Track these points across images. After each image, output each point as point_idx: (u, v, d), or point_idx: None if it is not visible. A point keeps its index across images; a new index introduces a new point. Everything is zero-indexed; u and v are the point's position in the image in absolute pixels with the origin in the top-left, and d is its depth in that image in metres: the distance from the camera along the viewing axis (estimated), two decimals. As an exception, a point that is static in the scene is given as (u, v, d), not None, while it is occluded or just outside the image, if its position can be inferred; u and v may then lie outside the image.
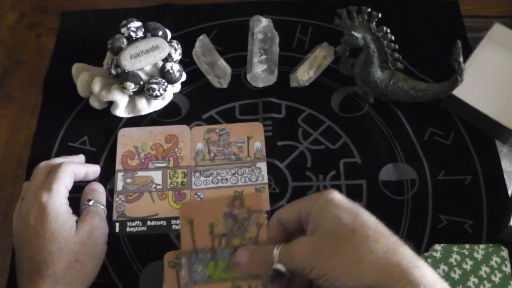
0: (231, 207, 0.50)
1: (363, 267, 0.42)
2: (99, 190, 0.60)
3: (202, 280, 0.49)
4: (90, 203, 0.57)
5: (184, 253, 0.49)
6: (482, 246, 0.56)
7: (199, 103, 0.69)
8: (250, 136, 0.65)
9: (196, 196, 0.61)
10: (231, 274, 0.49)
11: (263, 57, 0.69)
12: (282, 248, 0.46)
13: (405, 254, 0.42)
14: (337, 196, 0.46)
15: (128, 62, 0.62)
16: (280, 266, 0.46)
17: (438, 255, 0.56)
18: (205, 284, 0.49)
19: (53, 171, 0.56)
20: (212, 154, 0.64)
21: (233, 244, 0.49)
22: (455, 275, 0.55)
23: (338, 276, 0.43)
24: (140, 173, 0.63)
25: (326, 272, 0.44)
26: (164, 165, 0.63)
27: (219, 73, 0.69)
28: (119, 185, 0.62)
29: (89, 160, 0.63)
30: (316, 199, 0.46)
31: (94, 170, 0.62)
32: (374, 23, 0.61)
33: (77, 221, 0.54)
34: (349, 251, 0.43)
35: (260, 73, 0.68)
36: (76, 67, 0.68)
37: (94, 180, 0.62)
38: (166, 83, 0.65)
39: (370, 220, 0.44)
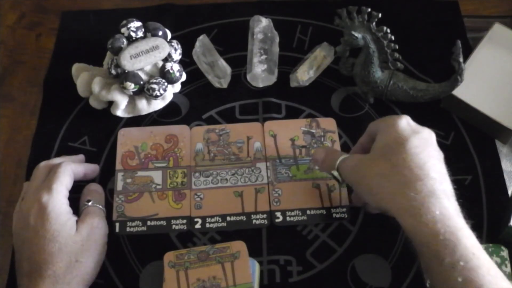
0: (308, 127, 0.65)
1: (381, 195, 0.49)
2: (98, 191, 0.60)
3: (286, 179, 0.61)
4: (89, 203, 0.57)
5: (269, 159, 0.63)
6: (482, 246, 0.56)
7: (199, 103, 0.69)
8: (250, 137, 0.65)
9: (196, 196, 0.61)
10: (310, 175, 0.62)
11: (263, 57, 0.69)
12: (341, 159, 0.53)
13: (419, 188, 0.47)
14: (402, 123, 0.51)
15: (128, 62, 0.62)
16: (335, 173, 0.54)
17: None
18: (288, 182, 0.61)
19: (53, 171, 0.56)
20: (212, 154, 0.64)
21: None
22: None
23: (364, 196, 0.52)
24: (140, 173, 0.63)
25: (357, 191, 0.54)
26: (164, 165, 0.63)
27: (219, 73, 0.69)
28: (119, 185, 0.62)
29: (89, 160, 0.63)
30: (384, 121, 0.53)
31: (93, 169, 0.62)
32: (374, 23, 0.61)
33: (76, 222, 0.54)
34: (372, 178, 0.49)
35: (260, 73, 0.68)
36: (76, 67, 0.68)
37: (93, 180, 0.62)
38: (166, 83, 0.65)
39: (412, 154, 0.48)
